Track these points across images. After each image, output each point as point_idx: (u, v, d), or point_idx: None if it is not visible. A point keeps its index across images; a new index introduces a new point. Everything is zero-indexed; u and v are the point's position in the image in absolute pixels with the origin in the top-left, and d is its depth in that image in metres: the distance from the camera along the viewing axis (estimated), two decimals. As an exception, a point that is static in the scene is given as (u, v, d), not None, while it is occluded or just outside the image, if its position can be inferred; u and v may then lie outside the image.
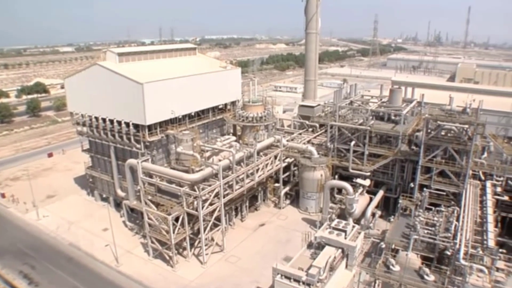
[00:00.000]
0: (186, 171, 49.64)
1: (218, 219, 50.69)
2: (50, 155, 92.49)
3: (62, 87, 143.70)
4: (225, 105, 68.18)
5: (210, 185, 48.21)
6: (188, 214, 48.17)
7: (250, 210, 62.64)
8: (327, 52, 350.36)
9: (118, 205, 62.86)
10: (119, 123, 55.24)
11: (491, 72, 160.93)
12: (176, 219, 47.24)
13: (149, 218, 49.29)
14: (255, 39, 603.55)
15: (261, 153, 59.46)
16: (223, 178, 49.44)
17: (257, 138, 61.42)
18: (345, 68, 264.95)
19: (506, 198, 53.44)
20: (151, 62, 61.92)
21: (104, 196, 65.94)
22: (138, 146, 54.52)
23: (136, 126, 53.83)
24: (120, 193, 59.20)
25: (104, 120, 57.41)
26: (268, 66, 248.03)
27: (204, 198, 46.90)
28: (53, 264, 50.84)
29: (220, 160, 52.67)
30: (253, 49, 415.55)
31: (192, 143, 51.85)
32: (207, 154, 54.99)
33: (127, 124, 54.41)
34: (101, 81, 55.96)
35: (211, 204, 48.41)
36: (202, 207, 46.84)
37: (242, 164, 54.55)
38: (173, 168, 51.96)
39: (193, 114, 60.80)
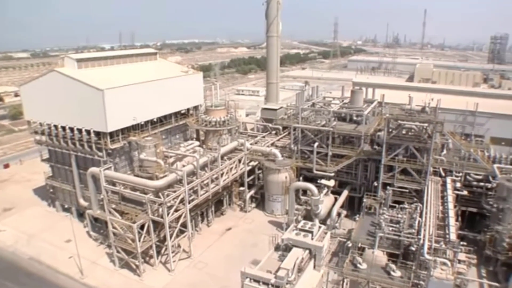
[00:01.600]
0: (150, 178, 48.98)
1: (184, 225, 50.24)
2: (6, 166, 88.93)
3: (17, 95, 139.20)
4: (188, 110, 67.71)
5: (175, 191, 47.76)
6: (154, 222, 47.57)
7: (216, 214, 62.45)
8: (289, 55, 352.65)
9: (81, 215, 61.33)
10: (80, 131, 53.91)
11: (448, 72, 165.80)
12: (142, 227, 46.59)
13: (113, 227, 48.38)
14: (217, 43, 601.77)
15: (225, 157, 59.34)
16: (188, 183, 49.10)
17: (221, 142, 61.33)
18: (306, 70, 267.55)
19: (465, 192, 55.53)
20: (111, 68, 60.81)
21: (66, 206, 64.10)
22: (100, 154, 53.44)
23: (98, 133, 52.66)
24: (83, 202, 57.86)
25: (63, 128, 55.87)
26: (230, 70, 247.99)
27: (169, 204, 46.45)
28: (11, 281, 48.72)
29: (184, 166, 52.20)
30: (215, 53, 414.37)
31: (155, 149, 51.21)
32: (171, 160, 54.46)
33: (88, 132, 53.16)
34: (60, 88, 54.43)
35: (176, 211, 48.01)
36: (168, 214, 46.36)
37: (206, 169, 54.29)
38: (137, 175, 51.12)
39: (155, 120, 60.10)
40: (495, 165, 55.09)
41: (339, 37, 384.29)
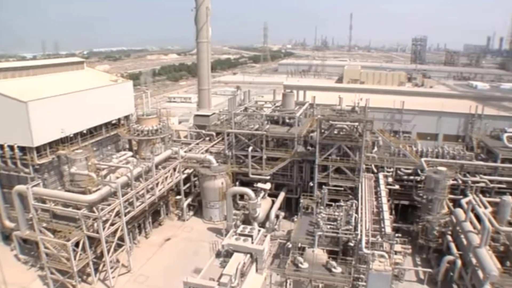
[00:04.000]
0: (83, 193, 47.17)
1: (121, 239, 48.79)
2: None
3: None
4: (119, 120, 66.01)
5: (109, 204, 46.21)
6: (89, 238, 45.76)
7: (154, 225, 61.18)
8: (220, 60, 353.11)
9: (7, 238, 57.14)
10: (2, 146, 50.65)
11: (374, 72, 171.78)
12: (76, 245, 44.67)
13: (45, 248, 45.94)
14: (146, 50, 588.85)
15: (160, 167, 58.34)
16: (123, 195, 47.73)
17: (154, 151, 60.16)
18: (238, 75, 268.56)
19: (397, 187, 58.40)
20: (35, 78, 57.79)
21: (-11, 230, 60.11)
22: (26, 170, 50.54)
23: (23, 148, 49.78)
24: (9, 224, 54.28)
25: (-18, 145, 52.51)
26: (160, 77, 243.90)
27: (104, 218, 44.92)
28: None
29: (117, 178, 50.77)
30: (144, 60, 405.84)
31: (86, 162, 49.50)
32: (104, 172, 52.72)
33: (11, 147, 50.11)
34: (-23, 102, 51.04)
35: (112, 224, 46.49)
36: (103, 228, 44.79)
37: (141, 179, 53.14)
38: (68, 191, 49.08)
39: (85, 131, 58.07)
40: (423, 159, 58.15)
41: (269, 41, 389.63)
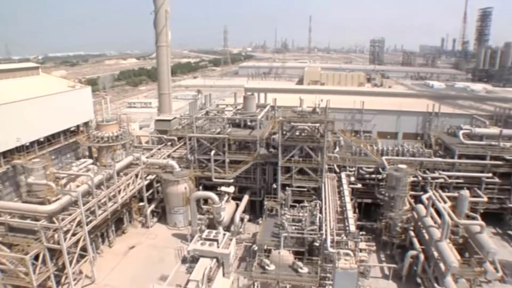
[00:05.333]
0: (42, 203, 45.58)
1: (84, 249, 47.45)
2: None
3: None
4: (78, 126, 64.53)
5: (70, 214, 44.86)
6: (50, 250, 44.10)
7: (118, 234, 59.81)
8: (180, 64, 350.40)
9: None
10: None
11: (334, 73, 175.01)
12: (36, 258, 43.00)
13: (1, 263, 44.14)
14: (104, 55, 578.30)
15: (122, 173, 57.20)
16: (84, 204, 46.49)
17: (115, 158, 59.00)
18: (198, 79, 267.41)
19: (359, 186, 59.53)
20: (-15, 86, 55.85)
21: None
22: (-21, 182, 48.81)
23: (-25, 159, 48.14)
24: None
25: None
26: (120, 82, 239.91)
27: (65, 229, 43.51)
28: None
29: (78, 186, 49.48)
30: (103, 65, 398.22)
31: (44, 171, 47.96)
32: (63, 181, 51.31)
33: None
34: None
35: (74, 235, 45.08)
36: (65, 239, 43.38)
37: (102, 187, 51.88)
38: (26, 202, 47.39)
39: (42, 139, 56.45)
40: (384, 157, 59.51)
41: (229, 44, 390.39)
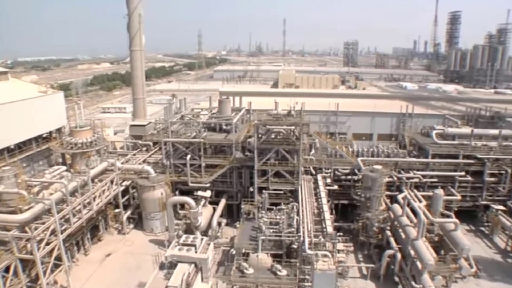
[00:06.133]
0: (13, 212, 44.34)
1: (58, 258, 46.31)
2: None
3: None
4: (50, 133, 63.34)
5: (44, 223, 43.86)
6: (22, 260, 42.96)
7: (93, 241, 58.79)
8: (154, 68, 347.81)
9: None
10: None
11: (309, 76, 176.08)
12: (7, 270, 41.90)
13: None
14: (77, 60, 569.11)
15: (96, 180, 56.30)
16: (58, 212, 45.47)
17: (90, 164, 58.11)
18: (173, 83, 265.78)
19: (335, 187, 59.99)
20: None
21: None
22: None
23: None
24: None
25: None
26: (93, 87, 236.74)
27: (38, 238, 42.52)
28: None
29: (51, 194, 48.44)
30: (76, 70, 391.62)
31: (15, 179, 46.64)
32: (36, 189, 50.11)
33: None
34: None
35: (48, 244, 44.03)
36: (38, 249, 42.36)
37: (77, 194, 50.88)
38: (-4, 211, 46.18)
39: (13, 146, 55.24)
40: (359, 159, 60.16)
41: (203, 48, 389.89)
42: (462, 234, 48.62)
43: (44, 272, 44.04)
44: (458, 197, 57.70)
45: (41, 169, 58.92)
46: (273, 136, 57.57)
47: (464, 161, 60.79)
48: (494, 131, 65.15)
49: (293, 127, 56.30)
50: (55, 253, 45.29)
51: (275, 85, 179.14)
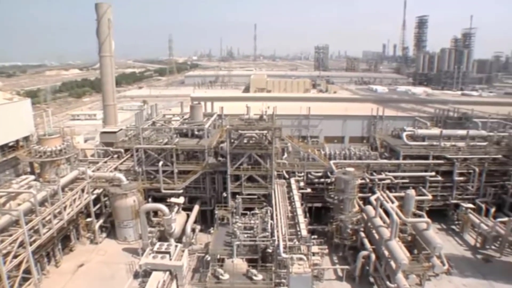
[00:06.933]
0: (-22, 224, 43.15)
1: (27, 271, 44.99)
2: None
3: None
4: (17, 141, 61.76)
5: (11, 235, 42.64)
6: (-13, 274, 41.78)
7: (65, 252, 57.39)
8: (124, 74, 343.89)
9: None
10: None
11: (280, 80, 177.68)
12: (-29, 284, 40.52)
13: None
14: (45, 66, 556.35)
15: (67, 189, 55.16)
16: (27, 223, 44.24)
17: (60, 173, 56.86)
18: (144, 89, 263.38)
19: (309, 190, 60.32)
20: None
21: None
22: None
23: None
24: None
25: None
26: (62, 94, 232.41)
27: (5, 251, 41.24)
28: None
29: (19, 204, 47.16)
30: (43, 76, 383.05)
31: (-19, 190, 45.50)
32: (2, 200, 48.73)
33: None
34: None
35: (16, 257, 42.72)
36: (4, 263, 41.06)
37: (47, 204, 49.70)
38: (-39, 224, 44.62)
39: (-23, 157, 53.73)
40: (332, 162, 60.62)
41: (174, 53, 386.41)
42: (434, 233, 49.93)
43: (11, 287, 42.61)
44: (429, 196, 58.94)
45: (8, 179, 57.44)
46: (245, 141, 57.47)
47: (434, 161, 62.18)
48: (462, 132, 66.87)
49: (265, 132, 56.32)
50: (23, 266, 43.90)
51: (247, 89, 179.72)
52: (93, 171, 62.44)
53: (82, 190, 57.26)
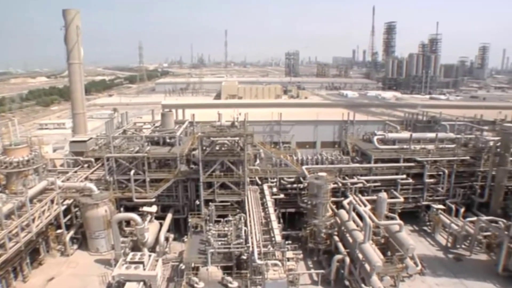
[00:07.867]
0: None
1: (-8, 287, 43.76)
2: None
3: None
4: (-19, 153, 59.96)
5: (-25, 250, 41.29)
6: None
7: (34, 266, 55.72)
8: (94, 82, 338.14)
9: None
10: None
11: (251, 87, 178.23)
12: None
13: None
14: (9, 73, 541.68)
15: (35, 200, 53.81)
16: (-8, 237, 43.01)
17: (27, 184, 55.39)
18: (114, 97, 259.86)
19: (282, 196, 60.49)
20: None
21: None
22: None
23: None
24: None
25: None
26: (29, 102, 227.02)
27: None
28: None
29: (-16, 218, 45.67)
30: (8, 84, 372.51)
31: None
32: (-34, 214, 47.14)
33: None
34: None
35: (-20, 272, 41.49)
36: (-32, 279, 39.76)
37: (13, 216, 48.33)
38: None
39: None
40: (304, 167, 60.89)
41: (144, 60, 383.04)
42: (407, 235, 50.89)
43: (-25, 305, 41.19)
44: (401, 199, 60.22)
45: (-27, 192, 55.64)
46: (217, 148, 57.33)
47: (405, 164, 63.28)
48: (431, 135, 68.46)
49: (237, 138, 56.32)
50: (-11, 283, 42.62)
51: (218, 96, 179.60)
52: (62, 181, 61.16)
53: (52, 201, 55.95)
